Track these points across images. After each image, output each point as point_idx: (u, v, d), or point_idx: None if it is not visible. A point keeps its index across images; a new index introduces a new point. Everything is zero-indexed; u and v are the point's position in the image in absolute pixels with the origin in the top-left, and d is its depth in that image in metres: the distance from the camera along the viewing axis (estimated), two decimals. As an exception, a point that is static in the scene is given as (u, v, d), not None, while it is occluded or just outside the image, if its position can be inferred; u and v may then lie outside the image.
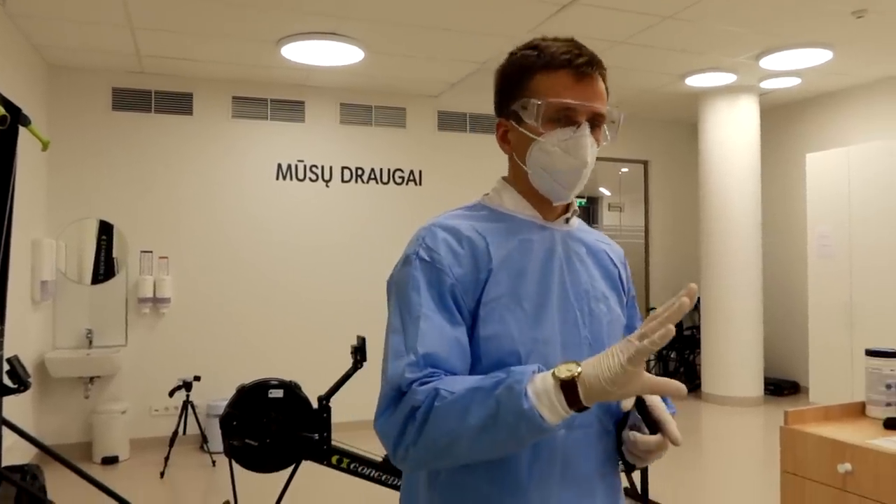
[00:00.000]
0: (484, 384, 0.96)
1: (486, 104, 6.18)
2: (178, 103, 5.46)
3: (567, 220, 1.22)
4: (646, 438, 1.11)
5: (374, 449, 3.79)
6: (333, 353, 5.24)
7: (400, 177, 5.96)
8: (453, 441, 0.96)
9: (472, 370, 1.07)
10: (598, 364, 0.93)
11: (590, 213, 13.79)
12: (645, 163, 8.18)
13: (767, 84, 6.33)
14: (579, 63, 1.12)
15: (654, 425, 1.12)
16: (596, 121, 1.15)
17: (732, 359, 6.49)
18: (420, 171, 6.00)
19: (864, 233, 5.70)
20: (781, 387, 6.84)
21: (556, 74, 1.12)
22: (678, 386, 0.94)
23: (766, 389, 6.64)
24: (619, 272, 1.29)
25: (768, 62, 5.55)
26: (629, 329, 1.28)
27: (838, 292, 5.90)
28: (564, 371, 0.93)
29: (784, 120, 7.22)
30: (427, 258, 1.10)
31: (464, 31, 4.51)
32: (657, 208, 8.13)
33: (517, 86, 1.16)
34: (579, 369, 0.93)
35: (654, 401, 1.13)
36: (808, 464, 2.03)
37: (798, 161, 6.77)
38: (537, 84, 1.13)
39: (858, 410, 2.24)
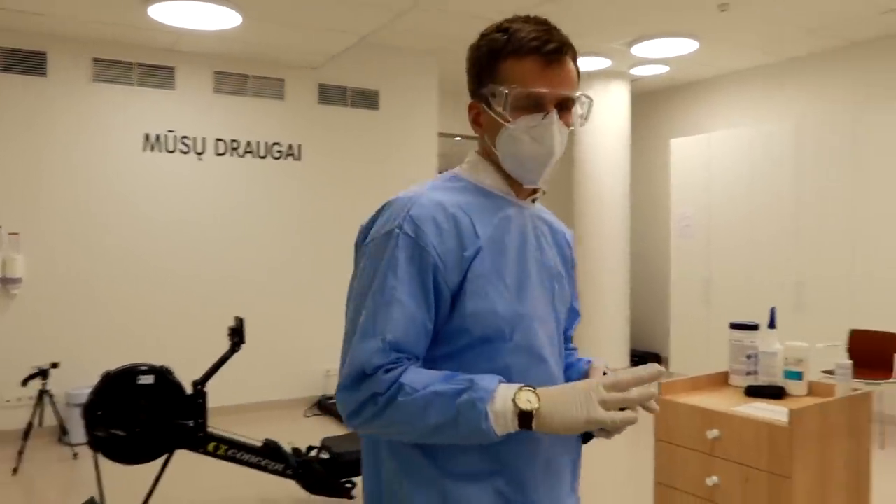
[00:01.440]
0: (447, 390, 1.01)
1: (368, 78, 6.06)
2: (30, 63, 4.93)
3: (533, 201, 1.25)
4: (624, 415, 1.12)
5: (255, 433, 3.66)
6: (209, 335, 4.98)
7: (278, 151, 5.73)
8: (407, 430, 1.04)
9: (456, 343, 1.10)
10: (558, 404, 0.99)
11: (470, 191, 14.07)
12: (524, 143, 8.39)
13: (638, 71, 6.64)
14: (548, 49, 1.12)
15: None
16: (565, 104, 1.16)
17: (602, 333, 6.84)
18: (300, 146, 5.80)
19: (722, 214, 6.16)
20: (645, 358, 7.30)
21: (524, 61, 1.12)
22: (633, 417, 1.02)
23: (631, 361, 7.07)
24: (570, 253, 1.34)
25: (639, 49, 5.81)
26: (571, 310, 1.34)
27: (697, 269, 6.35)
28: (524, 402, 0.99)
29: (652, 106, 7.63)
30: (412, 234, 1.08)
31: (346, 1, 4.37)
32: (535, 188, 8.36)
33: (486, 70, 1.16)
34: (538, 405, 0.99)
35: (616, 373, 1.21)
36: (679, 431, 2.16)
37: (664, 146, 7.18)
38: (506, 70, 1.13)
39: (723, 380, 2.41)
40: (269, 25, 4.82)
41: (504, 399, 0.99)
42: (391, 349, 1.04)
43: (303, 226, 5.80)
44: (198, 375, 3.41)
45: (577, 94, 1.17)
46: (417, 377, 1.03)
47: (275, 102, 5.71)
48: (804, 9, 4.97)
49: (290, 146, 5.77)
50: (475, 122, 1.21)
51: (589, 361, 1.31)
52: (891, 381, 4.49)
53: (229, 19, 4.61)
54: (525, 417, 0.98)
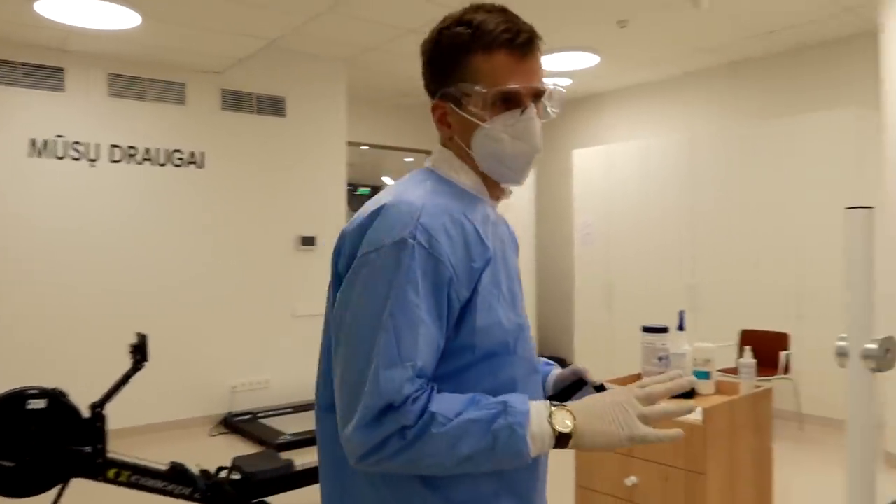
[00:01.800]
0: (481, 416, 0.94)
1: (275, 84, 5.90)
2: None
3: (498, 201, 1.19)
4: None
5: (159, 455, 3.46)
6: (108, 353, 4.69)
7: (179, 158, 5.48)
8: (433, 463, 0.94)
9: (462, 359, 1.01)
10: (594, 423, 0.96)
11: (376, 200, 13.97)
12: (429, 153, 8.42)
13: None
14: (520, 42, 1.06)
15: None
16: (537, 97, 1.10)
17: (512, 339, 6.95)
18: (202, 153, 5.57)
19: (622, 222, 6.42)
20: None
21: (495, 55, 1.05)
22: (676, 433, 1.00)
23: (540, 365, 7.22)
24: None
25: (544, 62, 5.97)
26: None
27: (599, 275, 6.59)
28: (561, 423, 0.95)
29: (557, 117, 7.85)
30: (426, 244, 0.97)
31: (253, 3, 4.25)
32: (443, 197, 8.42)
33: (452, 67, 1.08)
34: (573, 423, 0.96)
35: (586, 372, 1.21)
36: (598, 434, 2.22)
37: (567, 156, 7.43)
38: (476, 66, 1.06)
39: (635, 382, 2.49)
40: (170, 27, 4.60)
41: (540, 421, 0.95)
42: (419, 375, 0.95)
43: (206, 236, 5.57)
44: (97, 397, 3.19)
45: (552, 85, 1.12)
46: (447, 404, 0.94)
47: (175, 107, 5.46)
48: (695, 28, 5.28)
49: (192, 153, 5.53)
50: (441, 122, 1.13)
51: (550, 365, 1.28)
52: (777, 377, 4.82)
53: (126, 19, 4.37)
54: (562, 439, 0.95)
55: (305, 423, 5.19)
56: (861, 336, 1.18)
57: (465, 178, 1.12)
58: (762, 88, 6.09)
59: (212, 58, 5.25)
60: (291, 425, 5.09)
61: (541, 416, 0.95)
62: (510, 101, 1.07)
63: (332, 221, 6.12)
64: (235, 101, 5.70)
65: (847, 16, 5.06)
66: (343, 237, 1.05)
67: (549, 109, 1.13)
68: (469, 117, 1.07)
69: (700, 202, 5.84)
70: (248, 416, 5.38)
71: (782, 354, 4.87)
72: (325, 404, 1.09)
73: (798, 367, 5.04)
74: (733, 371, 3.72)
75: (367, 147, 8.26)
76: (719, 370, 4.75)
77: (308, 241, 5.96)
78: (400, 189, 1.07)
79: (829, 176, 5.05)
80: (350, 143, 6.60)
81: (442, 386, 0.99)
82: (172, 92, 5.45)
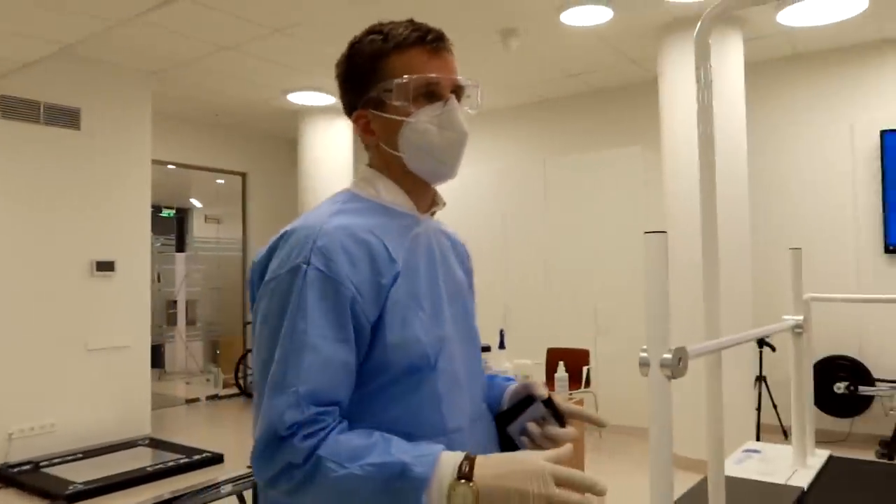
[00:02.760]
0: (376, 474, 0.89)
1: (67, 94, 5.36)
2: None
3: (432, 214, 1.18)
4: (566, 431, 1.12)
5: None
6: None
7: (-56, 171, 4.75)
8: None
9: (380, 378, 1.00)
10: (497, 500, 0.89)
11: (182, 223, 13.13)
12: (244, 175, 8.13)
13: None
14: (431, 39, 1.10)
15: (563, 418, 1.15)
16: (457, 94, 1.12)
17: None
18: (-26, 166, 4.88)
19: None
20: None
21: (410, 53, 1.09)
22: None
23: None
24: (469, 266, 1.29)
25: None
26: None
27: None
28: (460, 500, 0.88)
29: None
30: (322, 268, 0.97)
31: (45, 3, 3.83)
32: (256, 221, 8.13)
33: (371, 72, 1.10)
34: (473, 501, 0.88)
35: (558, 398, 1.18)
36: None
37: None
38: (393, 65, 1.09)
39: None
40: (-67, 20, 4.00)
41: (440, 492, 0.88)
42: (307, 402, 0.92)
43: (-22, 261, 4.85)
44: None
45: (469, 81, 1.14)
46: (339, 448, 0.91)
47: (-61, 113, 4.74)
48: (504, 67, 5.63)
49: (-39, 166, 4.83)
50: (365, 131, 1.13)
51: (509, 380, 1.26)
52: (580, 390, 5.21)
53: None
54: None
55: (99, 468, 4.67)
56: (658, 347, 1.29)
57: (387, 195, 1.12)
58: (563, 126, 6.63)
59: (-11, 59, 4.64)
60: (82, 473, 4.55)
61: (441, 490, 0.89)
62: (431, 95, 1.09)
63: (133, 245, 5.63)
64: (18, 109, 5.08)
65: (633, 66, 5.69)
66: (253, 268, 1.06)
67: (467, 108, 1.15)
68: (392, 116, 1.09)
69: (510, 229, 6.20)
70: (27, 466, 4.72)
71: (584, 369, 5.27)
72: None
73: (598, 380, 5.48)
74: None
75: (174, 166, 7.76)
76: (530, 387, 5.02)
77: (105, 265, 5.42)
78: (308, 213, 1.08)
79: (620, 205, 5.63)
80: (155, 162, 6.15)
81: (363, 405, 0.99)
82: (-64, 95, 4.72)
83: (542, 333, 5.86)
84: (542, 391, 1.15)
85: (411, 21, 1.14)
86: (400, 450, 0.92)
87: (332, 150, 6.93)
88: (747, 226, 4.69)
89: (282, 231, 1.05)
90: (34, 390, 5.03)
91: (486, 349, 2.47)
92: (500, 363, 2.40)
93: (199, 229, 12.47)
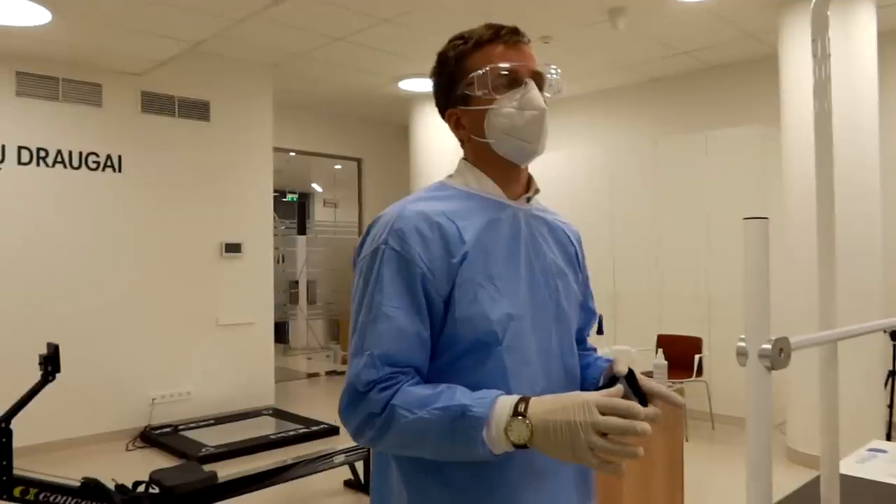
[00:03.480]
0: (439, 418, 1.00)
1: (198, 88, 5.77)
2: None
3: (528, 200, 1.24)
4: (645, 410, 1.06)
5: (72, 472, 3.31)
6: (17, 366, 4.47)
7: (95, 162, 5.27)
8: (412, 451, 1.07)
9: (451, 350, 1.10)
10: (549, 435, 0.96)
11: (304, 208, 13.78)
12: (359, 160, 8.42)
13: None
14: (505, 33, 1.18)
15: (645, 397, 1.09)
16: (537, 80, 1.19)
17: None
18: (119, 157, 5.38)
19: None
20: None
21: (487, 49, 1.18)
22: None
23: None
24: (575, 250, 1.32)
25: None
26: (583, 308, 1.34)
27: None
28: (516, 435, 0.97)
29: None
30: (397, 247, 1.09)
31: (177, 4, 4.15)
32: (371, 205, 8.42)
33: (457, 72, 1.20)
34: (529, 436, 0.96)
35: (640, 374, 1.16)
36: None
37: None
38: (475, 62, 1.18)
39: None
40: (84, 26, 4.43)
41: (498, 429, 0.98)
42: (382, 363, 1.04)
43: (124, 242, 5.37)
44: (2, 411, 3.03)
45: (545, 67, 1.22)
46: (409, 398, 1.02)
47: (90, 109, 5.26)
48: (613, 47, 5.49)
49: (109, 157, 5.33)
50: (457, 127, 1.23)
51: (609, 362, 1.24)
52: (692, 379, 5.05)
53: (36, 16, 4.19)
54: (518, 447, 0.98)
55: (228, 434, 5.06)
56: (758, 337, 1.26)
57: (477, 184, 1.21)
58: (675, 105, 6.38)
59: (131, 59, 5.09)
60: (214, 437, 4.97)
61: (500, 423, 0.98)
62: (511, 83, 1.17)
63: (258, 228, 6.01)
64: (156, 103, 5.54)
65: (750, 41, 5.38)
66: (356, 250, 1.19)
67: (546, 94, 1.21)
68: (478, 107, 1.18)
69: (619, 212, 6.06)
70: (168, 429, 5.20)
71: (696, 357, 5.11)
72: None
73: (710, 368, 5.29)
74: (650, 374, 3.87)
75: (294, 153, 8.17)
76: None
77: (233, 247, 5.83)
78: (400, 201, 1.18)
79: (735, 188, 5.35)
80: (277, 149, 6.51)
81: (447, 375, 1.08)
82: (88, 93, 5.24)
83: (652, 320, 5.72)
84: (622, 368, 1.15)
85: (489, 24, 1.22)
86: (463, 395, 1.02)
87: (442, 135, 7.02)
88: (878, 213, 4.34)
89: (375, 217, 1.17)
90: (172, 361, 5.52)
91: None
92: (598, 349, 2.40)
93: (318, 213, 13.05)
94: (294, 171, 10.61)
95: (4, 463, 2.99)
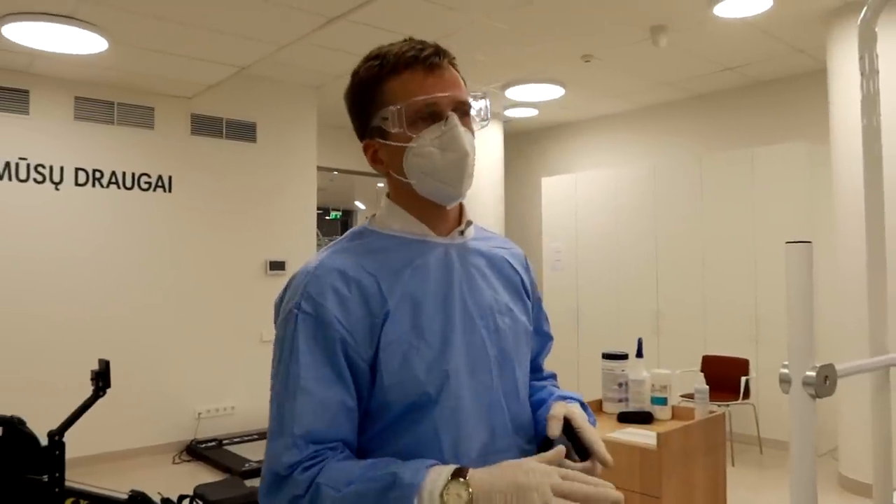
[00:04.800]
0: (369, 490, 0.90)
1: (245, 110, 5.93)
2: None
3: (461, 233, 1.13)
4: (581, 467, 1.01)
5: (120, 484, 3.41)
6: (69, 380, 4.63)
7: (146, 182, 5.45)
8: None
9: (385, 416, 1.01)
10: (495, 492, 0.86)
11: (347, 225, 13.99)
12: (401, 178, 8.50)
13: (510, 112, 6.97)
14: (425, 56, 1.05)
15: (585, 451, 1.02)
16: (461, 110, 1.07)
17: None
18: (170, 177, 5.55)
19: (588, 249, 6.54)
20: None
21: (404, 75, 1.05)
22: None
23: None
24: (521, 278, 1.21)
25: (512, 92, 6.12)
26: (537, 333, 1.25)
27: (567, 301, 6.67)
28: (454, 496, 0.87)
29: (524, 146, 8.01)
30: (311, 311, 0.99)
31: (225, 31, 4.29)
32: (412, 222, 8.47)
33: (370, 101, 1.08)
34: (468, 496, 0.86)
35: (581, 421, 1.06)
36: (559, 459, 2.26)
37: (536, 184, 7.55)
38: (389, 92, 1.05)
39: (597, 407, 2.55)
40: (139, 53, 4.62)
41: (431, 495, 0.88)
42: (305, 442, 0.95)
43: (172, 260, 5.53)
44: (56, 424, 3.14)
45: (472, 95, 1.09)
46: (336, 474, 0.93)
47: (143, 132, 5.45)
48: (655, 64, 5.46)
49: (160, 177, 5.51)
50: (374, 160, 1.11)
51: (567, 397, 1.17)
52: (738, 402, 4.93)
53: (93, 44, 4.37)
54: None
55: (271, 450, 5.12)
56: (802, 364, 1.23)
57: (398, 224, 1.10)
58: (720, 122, 6.29)
59: (182, 83, 5.27)
60: (257, 452, 5.03)
61: (434, 490, 0.88)
62: (431, 116, 1.04)
63: (302, 246, 6.12)
64: (205, 126, 5.71)
65: (799, 56, 5.28)
66: (274, 309, 1.09)
67: (474, 123, 1.10)
68: (395, 143, 1.06)
69: (663, 230, 5.98)
70: (213, 443, 5.30)
71: (742, 379, 4.98)
72: None
73: (758, 391, 5.15)
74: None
75: (337, 172, 8.30)
76: (681, 395, 4.84)
77: (277, 265, 5.95)
78: (316, 255, 1.09)
79: (782, 206, 5.23)
80: (321, 168, 6.63)
81: (378, 444, 1.00)
82: (141, 116, 5.44)
83: (696, 340, 5.61)
84: (554, 431, 1.04)
85: (409, 40, 1.09)
86: (392, 464, 0.94)
87: (481, 153, 7.07)
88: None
89: (294, 273, 1.07)
90: (217, 376, 5.64)
91: (623, 357, 2.44)
92: (637, 372, 2.36)
93: (360, 230, 13.21)
94: (337, 189, 10.78)
95: (57, 475, 3.09)
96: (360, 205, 13.31)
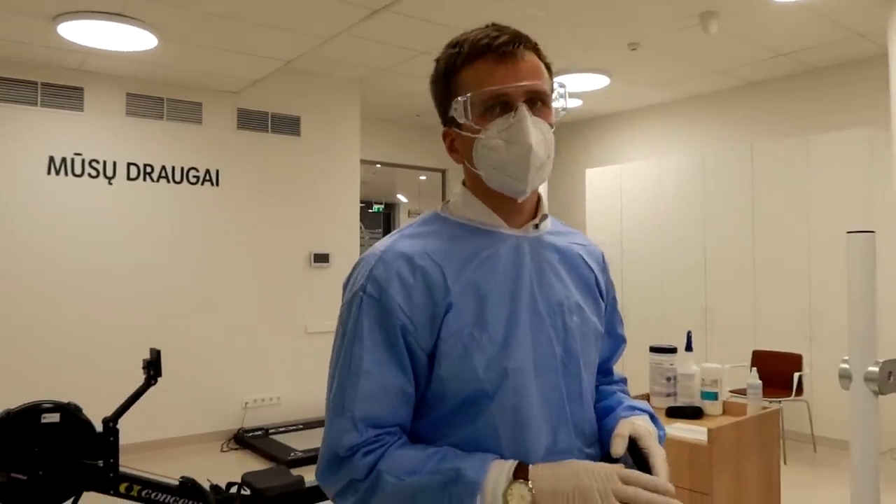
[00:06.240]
0: (430, 483, 0.91)
1: (290, 104, 6.01)
2: (-82, 79, 4.61)
3: (536, 226, 1.10)
4: (669, 487, 0.98)
5: (170, 470, 3.49)
6: (122, 369, 4.78)
7: (195, 176, 5.57)
8: None
9: (439, 409, 1.00)
10: (558, 495, 0.87)
11: (389, 218, 14.05)
12: (443, 171, 8.49)
13: (555, 104, 6.88)
14: (499, 44, 1.02)
15: (649, 471, 0.99)
16: (536, 98, 1.03)
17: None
18: (217, 171, 5.65)
19: (634, 241, 6.42)
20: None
21: (476, 64, 1.02)
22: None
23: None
24: (595, 277, 1.17)
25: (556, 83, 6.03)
26: (609, 335, 1.22)
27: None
28: (517, 497, 0.88)
29: (569, 137, 7.91)
30: (375, 295, 0.98)
31: (270, 26, 4.33)
32: (455, 215, 8.45)
33: (447, 90, 1.06)
34: (531, 498, 0.88)
35: (647, 441, 1.04)
36: (605, 454, 2.22)
37: (580, 175, 7.45)
38: (463, 81, 1.03)
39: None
40: (187, 49, 4.70)
41: (494, 495, 0.89)
42: (365, 426, 0.95)
43: (220, 253, 5.64)
44: (110, 411, 3.23)
45: (542, 85, 1.03)
46: (398, 462, 0.93)
47: (192, 126, 5.56)
48: (705, 51, 5.31)
49: (208, 171, 5.62)
50: (451, 149, 1.10)
51: (634, 409, 1.13)
52: (790, 398, 4.78)
53: (144, 41, 4.47)
54: None
55: (316, 439, 5.18)
56: (863, 359, 1.18)
57: (471, 213, 1.08)
58: (773, 109, 6.09)
59: (228, 79, 5.35)
60: (302, 442, 5.11)
61: (496, 489, 0.89)
62: (502, 107, 1.01)
63: (345, 239, 6.17)
64: (251, 120, 5.79)
65: (859, 40, 5.07)
66: (342, 289, 1.09)
67: (558, 109, 1.07)
68: (466, 133, 1.04)
69: (713, 222, 5.83)
70: (259, 432, 5.40)
71: (795, 375, 4.83)
72: None
73: (811, 388, 4.99)
74: (744, 392, 3.70)
75: (380, 165, 8.34)
76: (731, 391, 4.73)
77: (321, 258, 6.01)
78: (386, 238, 1.08)
79: (840, 195, 5.03)
80: (364, 162, 6.66)
81: (432, 432, 1.00)
82: (189, 111, 5.54)
83: (746, 335, 5.46)
84: (618, 450, 1.01)
85: (491, 26, 1.06)
86: (455, 457, 0.93)
87: (525, 145, 7.00)
88: None
89: (361, 255, 1.07)
90: (264, 367, 5.73)
91: (672, 351, 2.38)
92: (686, 366, 2.30)
93: (404, 223, 13.28)
94: (380, 183, 10.84)
95: (112, 461, 3.19)
96: (402, 198, 13.37)
